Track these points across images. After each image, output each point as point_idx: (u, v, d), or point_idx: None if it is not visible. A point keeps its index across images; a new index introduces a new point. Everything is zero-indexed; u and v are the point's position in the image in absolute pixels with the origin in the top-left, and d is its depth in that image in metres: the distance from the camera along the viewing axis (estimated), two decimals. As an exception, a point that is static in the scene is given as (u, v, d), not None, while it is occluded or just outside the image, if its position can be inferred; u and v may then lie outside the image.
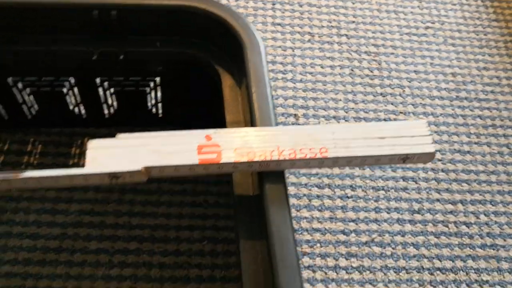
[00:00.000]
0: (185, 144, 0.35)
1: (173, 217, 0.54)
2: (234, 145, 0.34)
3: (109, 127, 0.58)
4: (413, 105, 0.67)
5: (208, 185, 0.57)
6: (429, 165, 0.62)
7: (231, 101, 0.40)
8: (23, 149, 0.56)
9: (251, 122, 0.37)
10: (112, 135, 0.58)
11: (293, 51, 0.69)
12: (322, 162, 0.34)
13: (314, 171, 0.60)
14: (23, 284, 0.49)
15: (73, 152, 0.56)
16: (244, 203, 0.36)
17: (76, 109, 0.54)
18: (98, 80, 0.49)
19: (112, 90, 0.51)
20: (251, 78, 0.38)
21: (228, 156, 0.34)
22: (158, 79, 0.50)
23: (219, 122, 0.45)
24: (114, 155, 0.34)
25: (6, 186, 0.33)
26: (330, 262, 0.54)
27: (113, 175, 0.33)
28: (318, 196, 0.58)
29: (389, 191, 0.60)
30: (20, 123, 0.56)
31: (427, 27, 0.76)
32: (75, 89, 0.51)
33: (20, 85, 0.49)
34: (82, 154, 0.56)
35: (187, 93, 0.52)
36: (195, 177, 0.57)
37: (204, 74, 0.45)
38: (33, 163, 0.55)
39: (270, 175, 0.34)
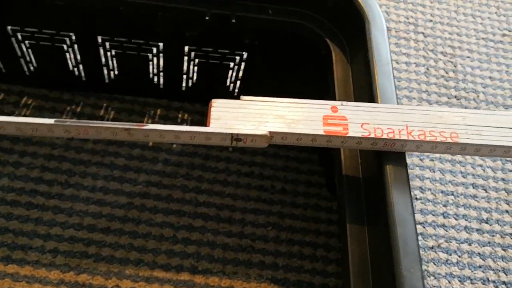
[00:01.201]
0: (310, 113, 0.33)
1: (240, 198, 0.53)
2: (361, 119, 0.33)
3: (182, 101, 0.57)
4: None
5: (275, 171, 0.55)
6: (499, 174, 0.60)
7: (341, 78, 0.39)
8: (96, 114, 0.55)
9: (372, 100, 0.35)
10: (186, 109, 0.57)
11: (367, 43, 0.67)
12: (450, 147, 0.32)
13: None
14: (86, 250, 0.48)
15: (145, 121, 0.55)
16: (352, 184, 0.34)
17: (155, 79, 0.53)
18: (187, 48, 0.48)
19: (197, 61, 0.49)
20: (373, 55, 0.36)
21: (355, 131, 0.33)
22: (245, 53, 0.48)
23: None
24: (238, 117, 0.33)
25: (126, 137, 0.32)
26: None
27: (236, 137, 0.32)
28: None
29: (458, 197, 0.58)
30: (96, 87, 0.55)
31: (503, 34, 0.73)
32: (160, 57, 0.49)
33: (107, 45, 0.48)
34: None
35: (276, 69, 0.50)
36: (263, 161, 0.56)
37: (308, 48, 0.43)
38: (104, 128, 0.54)
39: (391, 156, 0.33)
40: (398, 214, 0.30)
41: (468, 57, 0.69)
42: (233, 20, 0.42)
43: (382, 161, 0.32)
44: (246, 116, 0.33)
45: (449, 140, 0.32)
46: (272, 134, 0.33)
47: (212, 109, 0.33)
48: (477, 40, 0.71)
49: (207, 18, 0.42)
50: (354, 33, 0.40)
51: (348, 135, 0.32)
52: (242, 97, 0.34)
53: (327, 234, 0.52)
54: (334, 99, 0.38)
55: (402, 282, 0.28)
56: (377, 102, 0.35)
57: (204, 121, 0.57)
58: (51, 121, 0.30)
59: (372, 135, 0.32)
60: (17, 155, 0.52)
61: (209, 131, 0.32)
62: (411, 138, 0.32)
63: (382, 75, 0.36)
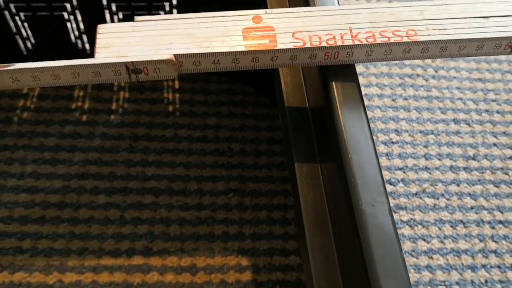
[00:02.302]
0: (226, 27, 0.26)
1: (194, 166, 0.47)
2: (292, 28, 0.26)
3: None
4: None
5: (232, 131, 0.49)
6: (482, 106, 0.54)
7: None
8: (18, 91, 0.48)
9: (307, 4, 0.29)
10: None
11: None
12: (408, 49, 0.26)
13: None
14: (19, 245, 0.42)
15: (76, 94, 0.49)
16: (297, 118, 0.28)
17: (79, 43, 0.46)
18: (104, 0, 0.41)
19: (121, 15, 0.43)
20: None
21: (285, 42, 0.26)
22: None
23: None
24: (131, 42, 0.26)
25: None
26: (377, 215, 0.47)
27: (133, 68, 0.25)
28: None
29: (439, 135, 0.52)
30: (14, 60, 0.48)
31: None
32: (77, 14, 0.42)
33: (12, 8, 0.41)
34: (86, 96, 0.49)
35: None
36: (217, 123, 0.49)
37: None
38: (30, 107, 0.48)
39: (338, 71, 0.26)
40: (351, 139, 0.24)
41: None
42: None
43: (327, 78, 0.26)
44: (142, 40, 0.26)
45: (405, 39, 0.26)
46: (180, 58, 0.26)
47: (98, 35, 0.26)
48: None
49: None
50: None
51: (277, 47, 0.25)
52: (136, 17, 0.27)
53: (296, 193, 0.46)
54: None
55: (363, 220, 0.22)
56: (312, 6, 0.29)
57: (144, 86, 0.50)
58: None
59: (308, 45, 0.25)
60: None
61: (96, 63, 0.25)
62: (357, 42, 0.25)
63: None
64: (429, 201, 0.48)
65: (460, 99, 0.54)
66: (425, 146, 0.51)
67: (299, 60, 0.26)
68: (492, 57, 0.58)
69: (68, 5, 0.41)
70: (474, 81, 0.56)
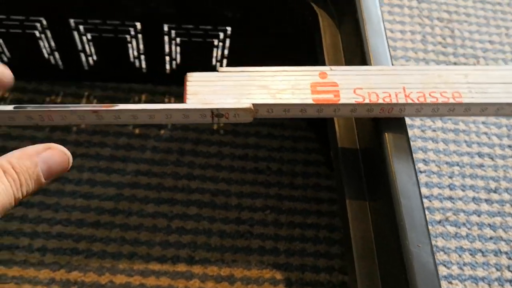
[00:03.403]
0: (297, 81, 0.30)
1: (234, 183, 0.51)
2: (353, 84, 0.30)
3: (168, 85, 0.54)
4: (488, 77, 0.62)
5: (271, 152, 0.53)
6: (506, 141, 0.58)
7: (330, 43, 0.36)
8: (77, 103, 0.52)
9: (364, 63, 0.32)
10: (172, 93, 0.54)
11: (359, 14, 0.64)
12: (453, 109, 0.30)
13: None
14: (76, 247, 0.46)
15: (130, 108, 0.53)
16: (349, 158, 0.31)
17: (137, 62, 0.50)
18: (166, 27, 0.45)
19: (178, 40, 0.46)
20: (363, 13, 0.33)
21: (347, 97, 0.29)
22: (229, 28, 0.46)
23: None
24: (217, 90, 0.30)
25: (95, 120, 0.28)
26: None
27: (217, 113, 0.29)
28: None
29: (464, 167, 0.55)
30: (75, 74, 0.52)
31: (501, -4, 0.70)
32: (139, 37, 0.46)
33: (81, 28, 0.45)
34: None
35: (263, 41, 0.47)
36: (257, 142, 0.53)
37: (293, 15, 0.40)
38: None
39: (389, 123, 0.30)
40: (401, 185, 0.27)
41: (466, 21, 0.66)
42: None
43: (380, 129, 0.30)
44: (225, 89, 0.30)
45: (451, 100, 0.29)
46: (256, 106, 0.30)
47: (188, 83, 0.30)
48: (473, 4, 0.68)
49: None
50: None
51: (340, 102, 0.29)
52: (219, 68, 0.31)
53: (329, 214, 0.50)
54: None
55: (410, 259, 0.25)
56: (369, 65, 0.32)
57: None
58: (9, 107, 0.27)
59: (367, 101, 0.29)
60: (-3, 152, 0.49)
61: (186, 108, 0.29)
62: (409, 101, 0.29)
63: (373, 34, 0.33)
64: (451, 229, 0.51)
65: (485, 133, 0.58)
66: (450, 177, 0.54)
67: (358, 113, 0.29)
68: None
69: (38, 25, 0.45)
70: (499, 117, 0.59)
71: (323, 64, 0.35)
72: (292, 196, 0.51)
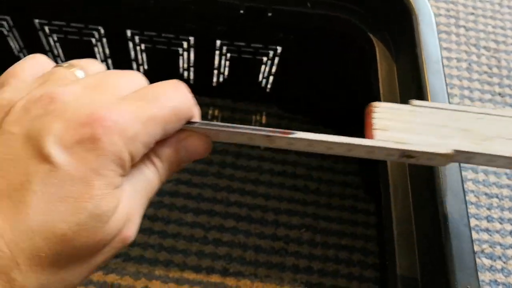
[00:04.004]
0: (507, 128, 0.27)
1: (272, 198, 0.51)
2: None
3: (212, 98, 0.55)
4: (532, 110, 0.61)
5: (309, 170, 0.53)
6: (547, 177, 0.57)
7: (386, 75, 0.36)
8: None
9: (420, 98, 0.33)
10: (217, 105, 0.55)
11: (405, 38, 0.65)
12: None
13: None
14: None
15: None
16: (399, 188, 0.32)
17: (186, 74, 0.51)
18: (218, 43, 0.46)
19: (229, 55, 0.47)
20: (422, 51, 0.34)
21: None
22: (279, 48, 0.46)
23: (349, 100, 0.41)
24: (411, 128, 0.27)
25: (266, 142, 0.26)
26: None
27: (408, 154, 0.26)
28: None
29: (503, 199, 0.55)
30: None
31: (550, 28, 0.69)
32: (191, 51, 0.48)
33: (137, 39, 0.47)
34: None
35: (310, 65, 0.48)
36: (296, 160, 0.53)
37: (350, 43, 0.41)
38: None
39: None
40: (452, 225, 0.28)
41: (513, 52, 0.65)
42: (269, 14, 0.40)
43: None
44: (421, 127, 0.27)
45: None
46: (457, 153, 0.26)
47: (375, 115, 0.27)
48: (522, 34, 0.67)
49: (241, 11, 0.40)
50: (400, 27, 0.37)
51: None
52: (412, 101, 0.28)
53: (364, 238, 0.50)
54: (378, 99, 0.35)
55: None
56: (426, 100, 0.32)
57: (234, 118, 0.55)
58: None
59: None
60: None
61: (374, 145, 0.26)
62: None
63: (432, 74, 0.33)
64: (487, 261, 0.51)
65: (527, 167, 0.57)
66: (488, 209, 0.54)
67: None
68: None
69: (96, 33, 0.46)
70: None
71: (377, 96, 0.35)
72: (328, 217, 0.51)
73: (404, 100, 0.35)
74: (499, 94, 0.62)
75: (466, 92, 0.61)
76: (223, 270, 0.47)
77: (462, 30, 0.66)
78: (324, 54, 0.45)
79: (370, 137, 0.26)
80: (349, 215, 0.51)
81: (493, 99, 0.61)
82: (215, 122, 0.26)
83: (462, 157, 0.26)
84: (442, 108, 0.28)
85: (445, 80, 0.33)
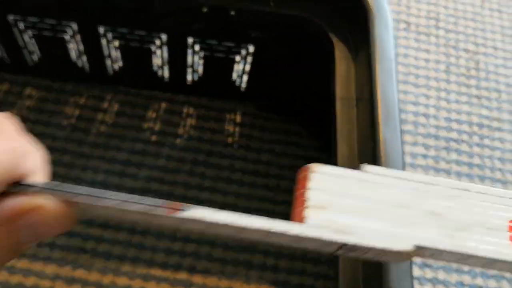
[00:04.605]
0: (486, 213, 0.20)
1: (243, 197, 0.51)
2: None
3: (187, 95, 0.55)
4: (509, 112, 0.61)
5: (281, 170, 0.54)
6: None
7: (343, 75, 0.36)
8: (100, 106, 0.54)
9: (371, 101, 0.33)
10: (191, 103, 0.56)
11: (385, 39, 0.65)
12: None
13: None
14: (83, 246, 0.47)
15: (149, 115, 0.54)
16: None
17: (160, 72, 0.52)
18: (190, 40, 0.46)
19: (202, 54, 0.48)
20: (375, 51, 0.34)
21: None
22: (251, 47, 0.47)
23: (319, 99, 0.41)
24: (357, 207, 0.19)
25: (200, 227, 0.20)
26: None
27: (351, 247, 0.19)
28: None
29: None
30: (99, 78, 0.54)
31: (532, 31, 0.69)
32: (164, 48, 0.48)
33: (109, 36, 0.47)
34: (158, 118, 0.54)
35: (282, 64, 0.48)
36: (269, 160, 0.54)
37: (312, 43, 0.41)
38: (107, 122, 0.53)
39: None
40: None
41: (492, 54, 0.65)
42: (232, 13, 0.40)
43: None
44: (371, 208, 0.19)
45: None
46: (419, 250, 0.19)
47: (310, 184, 0.20)
48: (502, 37, 0.68)
49: (205, 10, 0.40)
50: (359, 27, 0.37)
51: None
52: (364, 166, 0.21)
53: (332, 237, 0.50)
54: (333, 98, 0.36)
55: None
56: (376, 104, 0.33)
57: (209, 116, 0.55)
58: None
59: None
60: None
61: (302, 235, 0.19)
62: None
63: (383, 73, 0.33)
64: None
65: (500, 170, 0.57)
66: None
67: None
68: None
69: (69, 29, 0.47)
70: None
71: (333, 95, 0.36)
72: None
73: (360, 103, 0.35)
74: (476, 96, 0.62)
75: (443, 94, 0.61)
76: (190, 268, 0.47)
77: (442, 32, 0.66)
78: (291, 54, 0.46)
79: (299, 219, 0.20)
80: (318, 215, 0.51)
81: (470, 101, 0.61)
82: (68, 184, 0.18)
83: (426, 253, 0.20)
84: (403, 179, 0.20)
85: (396, 82, 0.34)
